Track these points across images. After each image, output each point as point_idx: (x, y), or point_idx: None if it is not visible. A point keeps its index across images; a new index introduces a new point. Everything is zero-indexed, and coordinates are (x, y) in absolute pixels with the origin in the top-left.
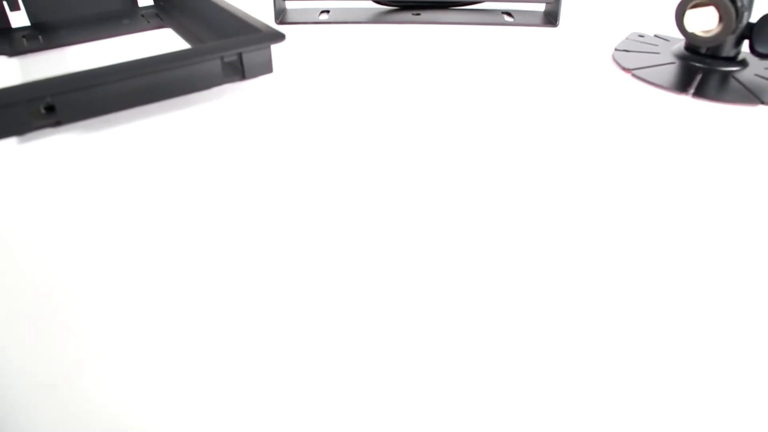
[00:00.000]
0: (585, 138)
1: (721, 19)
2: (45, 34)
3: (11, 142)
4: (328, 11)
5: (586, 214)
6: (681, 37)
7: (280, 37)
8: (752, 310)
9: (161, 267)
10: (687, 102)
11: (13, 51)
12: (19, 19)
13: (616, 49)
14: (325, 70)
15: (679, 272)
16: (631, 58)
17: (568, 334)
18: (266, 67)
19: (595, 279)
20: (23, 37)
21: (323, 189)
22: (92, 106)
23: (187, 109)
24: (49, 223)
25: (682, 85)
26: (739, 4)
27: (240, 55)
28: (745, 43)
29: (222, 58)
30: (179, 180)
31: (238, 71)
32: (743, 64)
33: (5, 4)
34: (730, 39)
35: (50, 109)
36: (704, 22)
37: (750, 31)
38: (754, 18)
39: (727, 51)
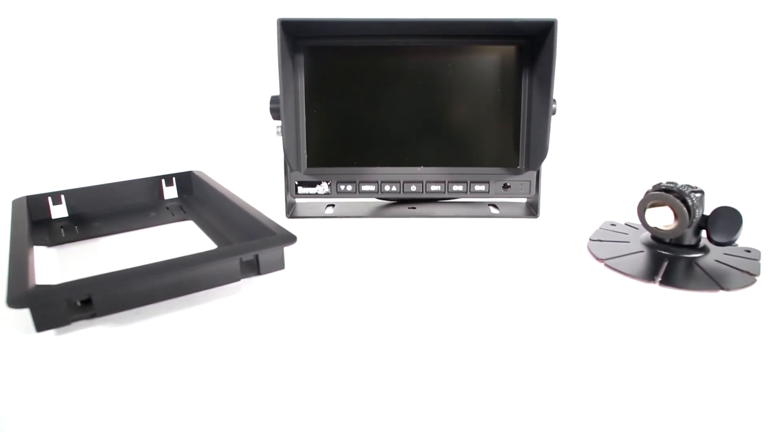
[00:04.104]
0: (560, 327)
1: (676, 216)
2: (81, 224)
3: (50, 333)
4: (333, 205)
5: (564, 394)
6: None
7: (291, 239)
8: None
9: None
10: (655, 290)
11: (53, 241)
12: (58, 211)
13: (590, 239)
14: (331, 263)
15: None
16: (603, 247)
17: None
18: (279, 264)
19: None
20: (61, 227)
21: (330, 377)
22: (125, 300)
23: (210, 303)
24: (80, 410)
25: (650, 274)
26: (690, 202)
27: (256, 255)
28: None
29: (241, 258)
30: (203, 368)
31: (254, 268)
32: (704, 250)
33: (49, 199)
34: (689, 231)
35: (87, 301)
36: (662, 219)
37: (705, 223)
38: (709, 210)
39: (689, 240)
